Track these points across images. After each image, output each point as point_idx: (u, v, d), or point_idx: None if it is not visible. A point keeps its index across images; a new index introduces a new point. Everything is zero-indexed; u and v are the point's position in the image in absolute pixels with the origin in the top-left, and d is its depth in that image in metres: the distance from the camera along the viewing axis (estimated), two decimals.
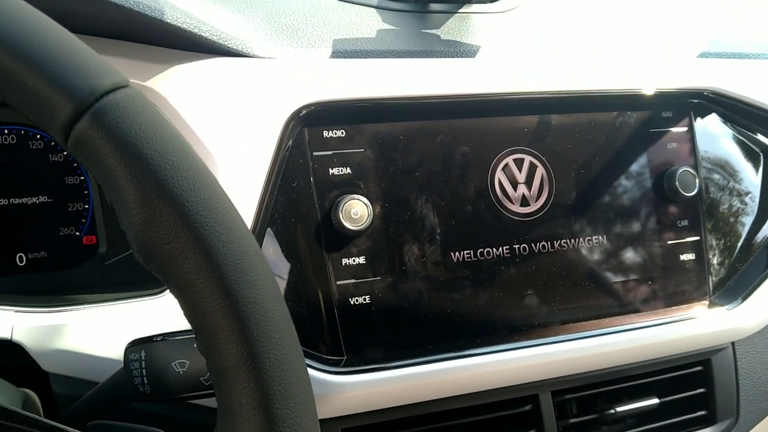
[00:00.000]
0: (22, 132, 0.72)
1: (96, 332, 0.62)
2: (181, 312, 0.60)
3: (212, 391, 0.51)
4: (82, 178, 0.74)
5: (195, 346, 0.52)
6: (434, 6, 0.81)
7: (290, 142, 0.64)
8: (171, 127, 0.38)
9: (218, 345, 0.37)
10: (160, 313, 0.61)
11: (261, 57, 0.66)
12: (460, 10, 0.82)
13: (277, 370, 0.37)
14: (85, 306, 0.62)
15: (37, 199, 0.73)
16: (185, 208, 0.36)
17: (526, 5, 0.88)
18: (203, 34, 0.62)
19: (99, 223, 0.75)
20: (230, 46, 0.64)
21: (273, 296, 0.39)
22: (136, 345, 0.53)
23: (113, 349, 0.61)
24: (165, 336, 0.53)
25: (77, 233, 0.75)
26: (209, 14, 0.67)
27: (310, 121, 0.64)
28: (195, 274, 0.36)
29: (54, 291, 0.72)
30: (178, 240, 0.36)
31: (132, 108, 0.36)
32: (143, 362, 0.52)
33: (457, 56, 0.73)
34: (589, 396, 0.77)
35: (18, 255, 0.73)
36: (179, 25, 0.60)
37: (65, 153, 0.73)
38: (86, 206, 0.75)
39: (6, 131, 0.72)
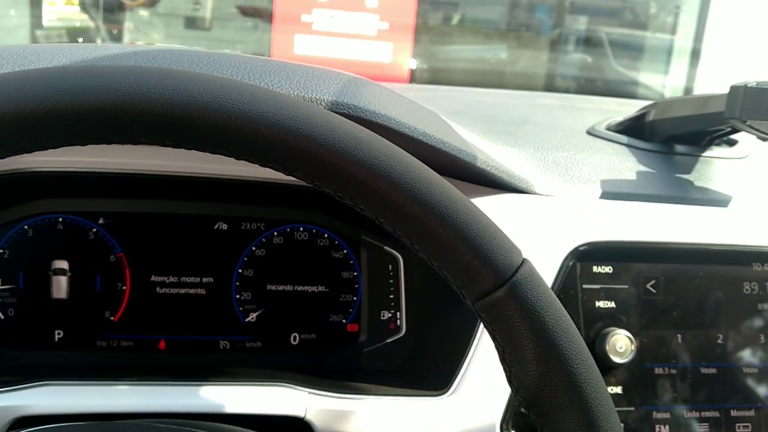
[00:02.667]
0: (313, 231, 0.84)
1: (379, 422, 0.70)
2: (457, 416, 0.68)
3: None
4: (355, 274, 0.85)
5: None
6: (679, 148, 0.88)
7: (565, 275, 0.71)
8: (554, 297, 0.46)
9: None
10: (442, 414, 0.69)
11: (541, 194, 0.74)
12: (703, 154, 0.88)
13: None
14: (372, 396, 0.71)
15: (316, 289, 0.84)
16: (573, 371, 0.44)
17: (758, 152, 0.92)
18: (500, 175, 0.71)
19: (363, 314, 0.85)
20: (516, 184, 0.73)
21: None
22: None
23: None
24: None
25: (344, 320, 0.85)
26: (492, 151, 0.77)
27: (583, 257, 0.72)
28: (575, 425, 0.44)
29: (319, 370, 0.82)
30: (565, 396, 0.44)
31: (535, 282, 0.45)
32: None
33: (711, 204, 0.79)
34: None
35: (293, 334, 0.84)
36: (486, 168, 0.69)
37: (345, 251, 0.84)
38: (354, 298, 0.85)
39: (301, 229, 0.84)
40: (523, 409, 0.46)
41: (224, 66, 0.60)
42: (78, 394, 0.69)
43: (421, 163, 0.46)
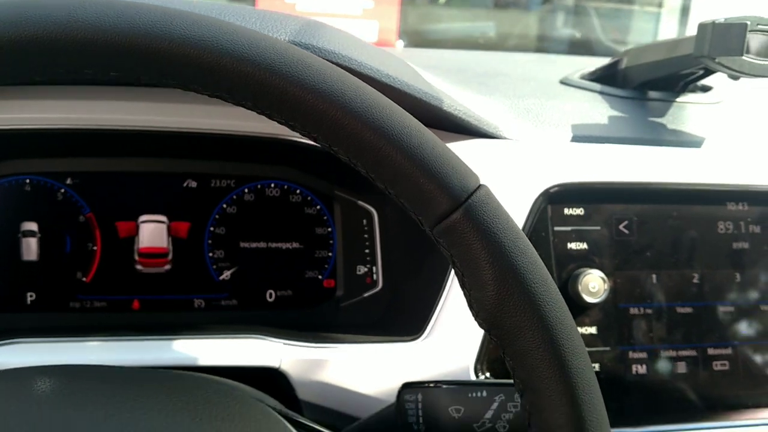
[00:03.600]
0: (285, 187, 0.83)
1: (354, 369, 0.70)
2: (431, 360, 0.68)
3: None
4: (330, 230, 0.84)
5: (470, 395, 0.60)
6: (653, 94, 0.87)
7: (535, 217, 0.71)
8: (513, 220, 0.46)
9: (549, 405, 0.44)
10: (416, 358, 0.69)
11: (510, 139, 0.74)
12: (676, 100, 0.87)
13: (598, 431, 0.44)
14: (347, 344, 0.71)
15: (291, 245, 0.84)
16: (532, 290, 0.44)
17: (730, 98, 0.92)
18: (468, 119, 0.70)
19: (339, 269, 0.85)
20: (485, 129, 0.73)
21: (590, 366, 0.45)
22: (411, 388, 0.61)
23: (368, 386, 0.70)
24: (436, 383, 0.61)
25: (319, 276, 0.84)
26: (462, 98, 0.76)
27: (554, 199, 0.71)
28: (534, 343, 0.43)
29: (296, 326, 0.81)
30: (524, 315, 0.43)
31: (491, 204, 0.44)
32: (419, 404, 0.60)
33: (684, 146, 0.78)
34: None
35: (268, 291, 0.84)
36: (452, 111, 0.68)
37: (318, 207, 0.84)
38: (329, 254, 0.84)
39: (272, 185, 0.83)
40: (485, 332, 0.45)
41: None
42: (49, 351, 0.68)
43: (373, 89, 0.45)
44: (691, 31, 0.76)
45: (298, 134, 0.71)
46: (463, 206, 0.43)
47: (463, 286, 0.46)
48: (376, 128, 0.43)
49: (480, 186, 0.45)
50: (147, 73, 0.40)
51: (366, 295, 0.85)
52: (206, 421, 0.44)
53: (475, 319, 0.46)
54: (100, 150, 0.77)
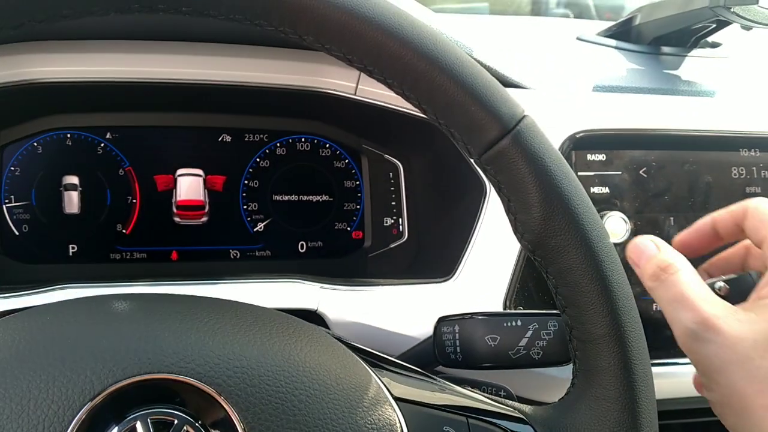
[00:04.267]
0: (315, 141, 0.86)
1: (390, 309, 0.73)
2: (462, 298, 0.71)
3: (516, 364, 0.62)
4: (358, 183, 0.87)
5: (505, 325, 0.64)
6: (665, 49, 0.91)
7: None
8: (554, 147, 0.49)
9: (592, 317, 0.47)
10: (449, 295, 0.72)
11: (531, 88, 0.77)
12: (688, 54, 0.91)
13: (637, 341, 0.47)
14: (381, 287, 0.74)
15: (321, 198, 0.87)
16: (576, 210, 0.47)
17: (737, 54, 0.95)
18: (493, 68, 0.73)
19: (367, 221, 0.88)
20: (509, 78, 0.76)
21: (627, 281, 0.49)
22: (447, 320, 0.65)
23: (403, 325, 0.73)
24: (472, 315, 0.64)
25: (348, 228, 0.88)
26: (481, 53, 0.79)
27: (578, 145, 0.75)
28: (578, 261, 0.47)
29: (327, 275, 0.85)
30: (568, 234, 0.47)
31: (536, 132, 0.48)
32: (456, 335, 0.64)
33: (698, 96, 0.82)
34: None
35: (300, 242, 0.87)
36: (479, 60, 0.71)
37: (346, 161, 0.87)
38: (358, 207, 0.88)
39: (303, 139, 0.86)
40: (530, 255, 0.49)
41: None
42: (94, 293, 0.71)
43: (427, 24, 0.48)
44: None
45: (323, 86, 0.75)
46: (512, 133, 0.47)
47: (508, 210, 0.49)
48: (431, 59, 0.46)
49: (525, 115, 0.48)
50: None
51: (392, 245, 0.88)
52: (277, 336, 0.48)
53: (520, 241, 0.50)
54: (139, 105, 0.80)
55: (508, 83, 0.76)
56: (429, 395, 0.51)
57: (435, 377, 0.54)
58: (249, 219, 0.84)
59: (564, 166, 0.48)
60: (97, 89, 0.74)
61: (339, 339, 0.55)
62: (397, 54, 0.46)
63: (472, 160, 0.49)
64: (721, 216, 0.57)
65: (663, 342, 0.73)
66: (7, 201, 0.79)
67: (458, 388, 0.53)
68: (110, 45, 0.73)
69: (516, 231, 0.49)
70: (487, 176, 0.49)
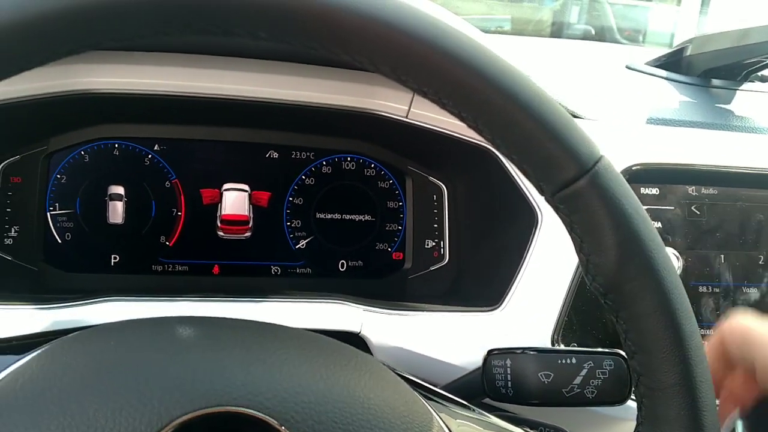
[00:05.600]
0: (360, 160, 0.86)
1: (434, 336, 0.73)
2: (509, 330, 0.70)
3: (568, 402, 0.61)
4: (401, 204, 0.87)
5: (559, 362, 0.63)
6: (716, 82, 0.90)
7: None
8: (631, 189, 0.48)
9: (663, 366, 0.46)
10: (495, 327, 0.72)
11: (588, 119, 0.76)
12: (739, 88, 0.90)
13: (708, 392, 0.46)
14: (426, 313, 0.74)
15: (363, 217, 0.86)
16: (652, 256, 0.46)
17: None
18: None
19: (408, 243, 0.87)
20: (569, 109, 0.75)
21: (698, 330, 0.48)
22: (499, 353, 0.64)
23: (446, 354, 0.72)
24: (524, 350, 0.64)
25: (389, 249, 0.87)
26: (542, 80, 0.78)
27: (633, 179, 0.74)
28: (652, 308, 0.46)
29: (366, 295, 0.84)
30: (644, 279, 0.46)
31: (614, 174, 0.47)
32: (508, 369, 0.63)
33: (752, 132, 0.81)
34: None
35: (340, 261, 0.86)
36: None
37: (391, 181, 0.86)
38: (400, 228, 0.87)
39: (349, 158, 0.85)
40: (600, 298, 0.48)
41: None
42: (137, 309, 0.71)
43: (502, 57, 0.47)
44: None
45: (374, 107, 0.74)
46: (590, 173, 0.46)
47: (580, 251, 0.48)
48: (509, 94, 0.45)
49: (602, 155, 0.47)
50: None
51: (432, 268, 0.88)
52: (342, 369, 0.47)
53: (591, 284, 0.49)
54: (187, 118, 0.80)
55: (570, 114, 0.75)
56: None
57: (490, 415, 0.54)
58: (292, 236, 0.84)
59: (641, 210, 0.47)
60: (147, 101, 0.74)
61: (393, 370, 0.54)
62: (474, 89, 0.45)
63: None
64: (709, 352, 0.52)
65: None
66: (51, 208, 0.79)
67: (516, 429, 0.52)
68: (163, 58, 0.72)
69: (587, 273, 0.48)
70: (558, 214, 0.48)
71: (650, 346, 0.47)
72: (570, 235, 0.49)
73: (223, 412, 0.42)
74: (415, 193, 0.87)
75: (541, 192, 0.48)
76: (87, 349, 0.46)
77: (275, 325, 0.51)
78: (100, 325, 0.51)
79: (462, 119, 0.48)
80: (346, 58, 0.46)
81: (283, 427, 0.42)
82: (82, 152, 0.79)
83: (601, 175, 0.46)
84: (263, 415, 0.42)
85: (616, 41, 2.47)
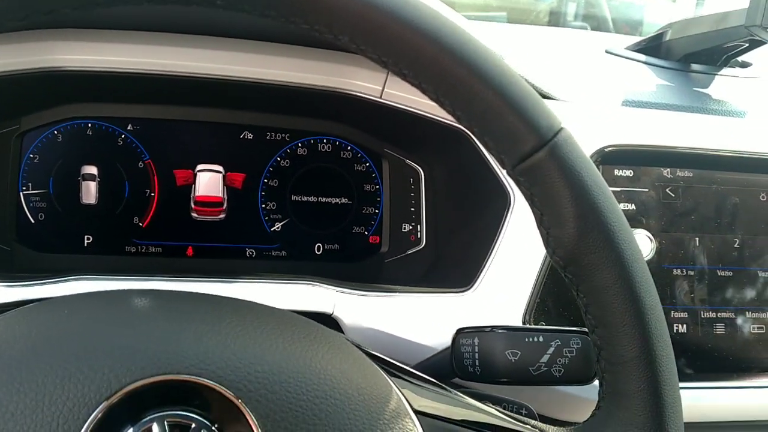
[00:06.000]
0: (336, 143, 0.85)
1: (406, 317, 0.72)
2: (480, 310, 0.70)
3: (536, 380, 0.61)
4: (377, 186, 0.86)
5: (527, 340, 0.62)
6: (695, 66, 0.89)
7: None
8: (591, 161, 0.48)
9: (623, 339, 0.46)
10: (467, 307, 0.71)
11: (561, 100, 0.76)
12: (718, 73, 0.90)
13: (668, 365, 0.46)
14: (399, 294, 0.73)
15: (339, 200, 0.86)
16: (611, 228, 0.46)
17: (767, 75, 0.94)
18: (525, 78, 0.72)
19: (385, 226, 0.87)
20: (539, 89, 0.75)
21: (659, 303, 0.47)
22: (468, 332, 0.64)
23: (418, 335, 0.72)
24: (492, 328, 0.63)
25: (366, 233, 0.87)
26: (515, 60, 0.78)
27: (606, 160, 0.74)
28: (611, 280, 0.46)
29: (342, 278, 0.84)
30: (603, 252, 0.46)
31: (574, 145, 0.46)
32: (476, 347, 0.62)
33: (728, 115, 0.80)
34: None
35: (316, 244, 0.86)
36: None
37: (367, 164, 0.86)
38: (376, 211, 0.87)
39: (325, 140, 0.85)
40: (560, 272, 0.48)
41: None
42: (108, 287, 0.70)
43: (465, 30, 0.47)
44: None
45: (348, 87, 0.74)
46: (548, 145, 0.45)
47: (540, 224, 0.48)
48: (469, 65, 0.45)
49: (562, 127, 0.47)
50: None
51: (409, 252, 0.87)
52: (299, 341, 0.47)
53: (551, 257, 0.48)
54: (162, 98, 0.79)
55: (540, 94, 0.74)
56: (449, 410, 0.50)
57: (454, 391, 0.53)
58: (267, 218, 0.83)
59: (601, 181, 0.47)
60: (120, 80, 0.73)
61: (358, 346, 0.53)
62: (434, 58, 0.45)
63: (500, 170, 0.48)
64: None
65: (690, 366, 0.72)
66: (24, 188, 0.78)
67: (479, 404, 0.51)
68: (136, 36, 0.72)
69: (548, 246, 0.48)
70: (519, 188, 0.48)
71: (610, 319, 0.47)
72: (531, 208, 0.48)
73: (174, 380, 0.41)
74: (392, 176, 0.86)
75: (503, 165, 0.48)
76: (40, 318, 0.46)
77: (234, 298, 0.51)
78: (56, 297, 0.51)
79: (423, 91, 0.48)
80: (305, 27, 0.46)
81: (235, 396, 0.41)
82: (55, 132, 0.78)
83: (561, 147, 0.46)
84: (215, 384, 0.41)
85: None
